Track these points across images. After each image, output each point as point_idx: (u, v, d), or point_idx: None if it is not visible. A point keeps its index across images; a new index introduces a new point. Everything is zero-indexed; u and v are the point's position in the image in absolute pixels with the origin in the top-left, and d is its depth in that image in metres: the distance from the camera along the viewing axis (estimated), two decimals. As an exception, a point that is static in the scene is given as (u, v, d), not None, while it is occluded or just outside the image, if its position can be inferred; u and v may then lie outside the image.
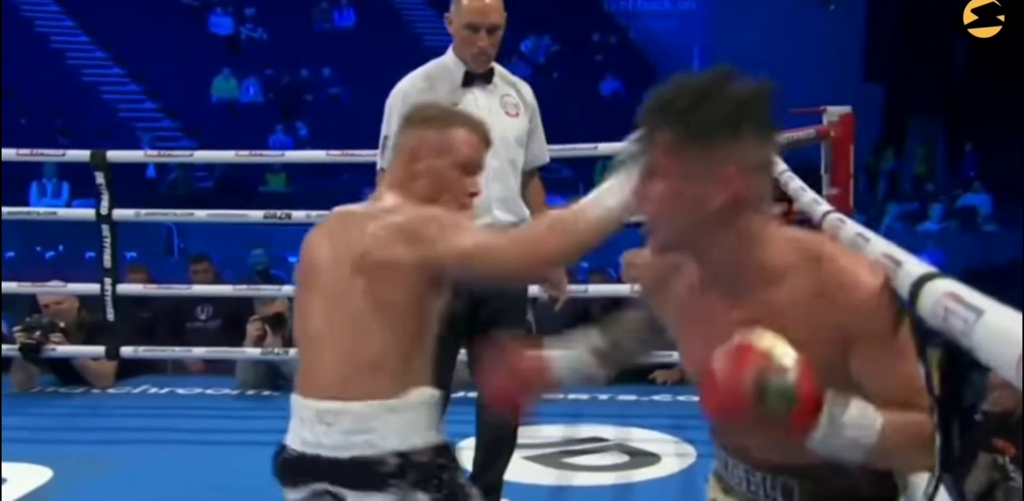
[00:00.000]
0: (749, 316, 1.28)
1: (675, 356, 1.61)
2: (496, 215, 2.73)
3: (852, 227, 1.80)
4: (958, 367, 1.14)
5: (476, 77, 2.80)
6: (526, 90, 2.90)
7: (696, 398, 1.29)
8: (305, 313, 1.78)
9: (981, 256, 11.05)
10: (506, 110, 2.81)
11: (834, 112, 4.10)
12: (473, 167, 1.86)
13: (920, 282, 1.15)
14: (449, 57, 2.83)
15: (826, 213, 2.13)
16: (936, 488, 1.20)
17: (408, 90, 2.78)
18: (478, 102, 2.78)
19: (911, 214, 13.14)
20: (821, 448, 1.24)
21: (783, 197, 3.08)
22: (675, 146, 1.25)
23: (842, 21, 16.32)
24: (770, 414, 1.20)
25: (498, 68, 2.86)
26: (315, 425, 1.71)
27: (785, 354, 1.21)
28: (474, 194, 1.86)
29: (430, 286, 1.72)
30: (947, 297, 1.05)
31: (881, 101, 15.59)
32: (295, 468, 1.74)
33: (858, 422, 1.23)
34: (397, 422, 1.69)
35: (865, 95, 13.54)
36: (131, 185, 11.44)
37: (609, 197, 1.61)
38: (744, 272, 1.30)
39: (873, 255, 1.42)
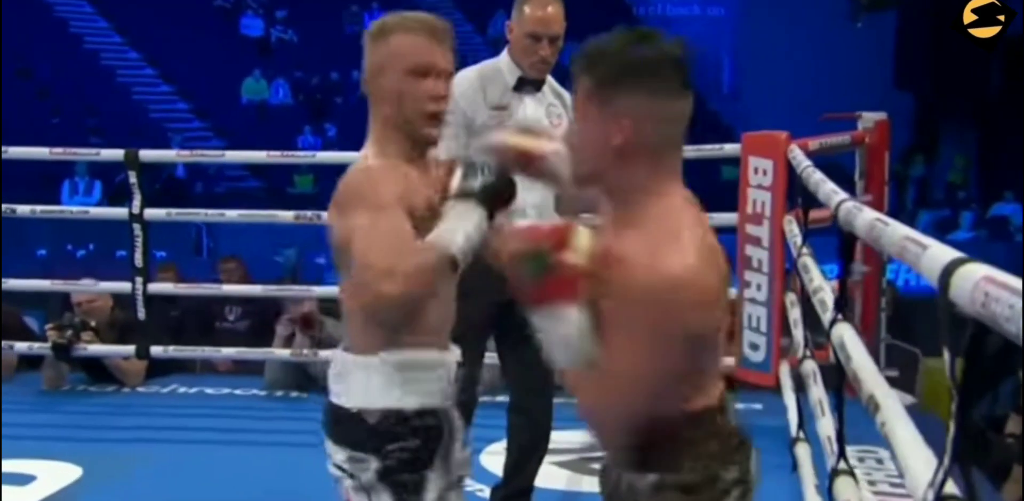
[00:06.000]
0: (616, 252, 1.40)
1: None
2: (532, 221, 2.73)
3: (870, 213, 1.77)
4: (985, 358, 1.10)
5: (528, 83, 2.81)
6: (570, 101, 2.90)
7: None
8: None
9: (1012, 266, 10.90)
10: (550, 119, 2.82)
11: (869, 118, 4.08)
12: (425, 68, 1.70)
13: (951, 267, 1.11)
14: (503, 60, 2.83)
15: (841, 201, 2.09)
16: (944, 480, 1.16)
17: (462, 87, 2.77)
18: (526, 109, 2.79)
19: (942, 222, 13.02)
20: (539, 326, 1.41)
21: (805, 204, 3.06)
22: (585, 93, 1.44)
23: (873, 28, 16.20)
24: (518, 269, 1.39)
25: (548, 77, 2.86)
26: None
27: (577, 255, 1.38)
28: (436, 97, 1.71)
29: None
30: (987, 281, 1.00)
31: (912, 109, 15.46)
32: None
33: (568, 344, 1.39)
34: (360, 378, 1.71)
35: (896, 102, 13.44)
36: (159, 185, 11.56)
37: (456, 233, 1.62)
38: (625, 218, 1.43)
39: (894, 239, 1.41)
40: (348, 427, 1.71)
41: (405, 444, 1.70)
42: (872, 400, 1.51)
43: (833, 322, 2.04)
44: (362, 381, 1.71)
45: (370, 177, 1.70)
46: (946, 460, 1.12)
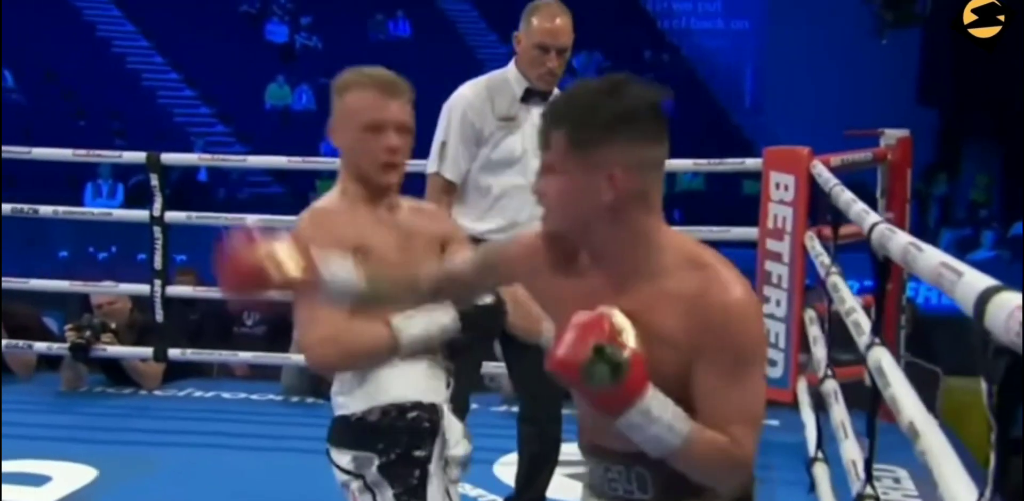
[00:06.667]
0: (630, 307, 1.35)
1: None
2: None
3: (903, 237, 1.76)
4: (1020, 387, 1.10)
5: (535, 94, 2.80)
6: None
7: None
8: None
9: (1033, 286, 10.82)
10: None
11: (891, 135, 4.05)
12: (378, 124, 1.80)
13: (987, 295, 1.11)
14: (510, 71, 2.83)
15: (875, 224, 2.07)
16: None
17: (471, 97, 2.79)
18: (533, 120, 2.79)
19: (963, 241, 12.95)
20: (626, 432, 1.31)
21: (834, 221, 3.04)
22: (565, 147, 1.36)
23: (897, 45, 16.16)
24: (590, 381, 1.27)
25: (555, 89, 2.86)
26: None
27: (630, 337, 1.29)
28: (391, 149, 1.80)
29: None
30: (1021, 310, 1.01)
31: (935, 126, 15.40)
32: None
33: (669, 423, 1.30)
34: (356, 386, 1.81)
35: (919, 119, 13.38)
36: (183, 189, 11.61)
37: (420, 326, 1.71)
38: (632, 267, 1.39)
39: (930, 265, 1.40)
40: (350, 431, 1.80)
41: (401, 436, 1.78)
42: (912, 427, 1.50)
43: (870, 346, 2.02)
44: (358, 387, 1.80)
45: (313, 223, 1.80)
46: (988, 493, 1.11)
